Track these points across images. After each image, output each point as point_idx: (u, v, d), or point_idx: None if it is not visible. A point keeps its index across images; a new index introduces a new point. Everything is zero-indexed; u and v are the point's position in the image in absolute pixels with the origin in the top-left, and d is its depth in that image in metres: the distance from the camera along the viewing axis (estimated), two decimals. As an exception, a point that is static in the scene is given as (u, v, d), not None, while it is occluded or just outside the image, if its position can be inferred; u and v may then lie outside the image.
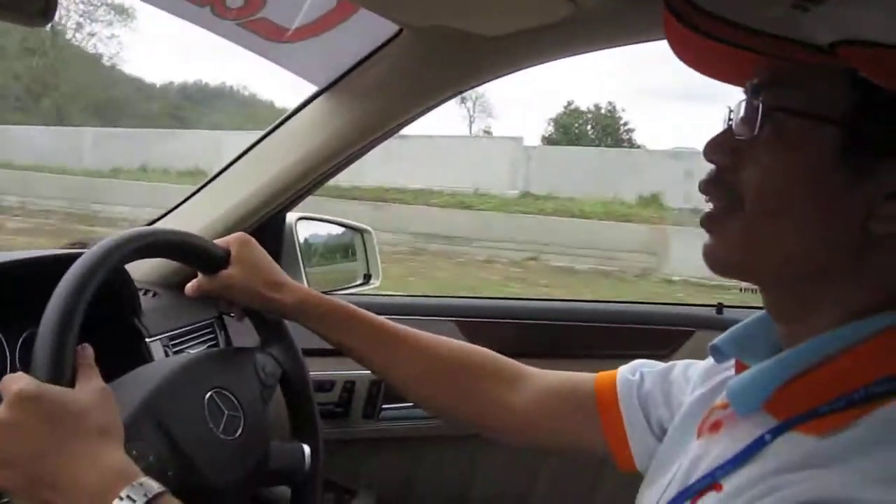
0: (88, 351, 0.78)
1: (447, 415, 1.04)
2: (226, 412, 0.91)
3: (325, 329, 1.02)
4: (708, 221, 0.68)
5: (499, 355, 1.02)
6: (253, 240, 1.04)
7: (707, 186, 0.68)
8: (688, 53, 0.68)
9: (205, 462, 0.86)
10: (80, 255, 0.83)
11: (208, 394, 0.90)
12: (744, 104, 0.66)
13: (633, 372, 0.92)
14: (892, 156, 0.58)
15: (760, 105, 0.63)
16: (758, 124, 0.63)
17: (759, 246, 0.64)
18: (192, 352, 0.98)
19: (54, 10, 0.61)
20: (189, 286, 1.03)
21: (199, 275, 1.02)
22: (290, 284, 1.02)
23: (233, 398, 0.93)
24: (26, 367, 1.02)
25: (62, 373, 0.74)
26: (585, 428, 0.92)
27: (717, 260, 0.67)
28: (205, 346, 1.32)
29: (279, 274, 1.03)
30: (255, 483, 0.96)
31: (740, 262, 0.66)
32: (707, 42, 0.62)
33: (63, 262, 0.83)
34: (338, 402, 1.48)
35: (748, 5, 0.61)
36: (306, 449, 1.03)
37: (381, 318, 1.03)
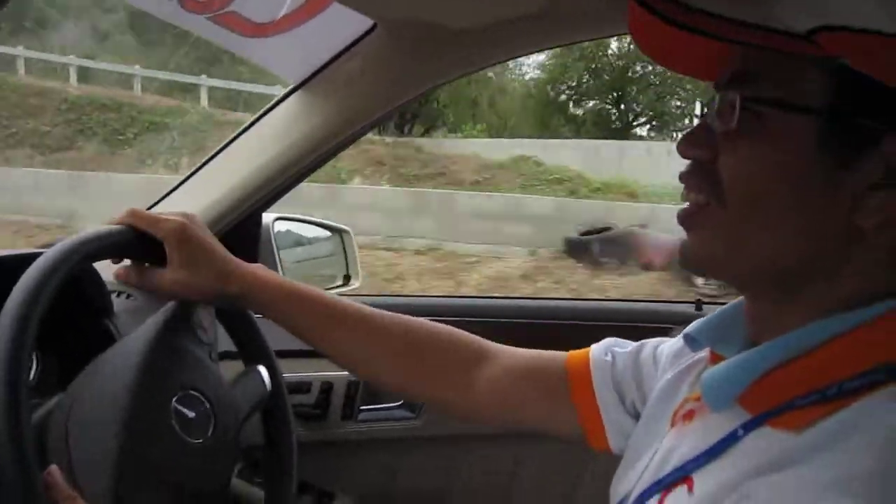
0: (53, 470, 0.73)
1: (407, 394, 1.00)
2: (193, 415, 0.87)
3: (273, 315, 0.96)
4: (687, 219, 0.66)
5: (464, 333, 0.98)
6: (193, 228, 0.94)
7: (688, 177, 0.66)
8: (654, 45, 0.66)
9: (192, 481, 0.84)
10: (39, 255, 0.81)
11: (173, 405, 0.85)
12: (717, 97, 0.64)
13: (605, 352, 0.90)
14: (875, 145, 0.57)
15: (737, 97, 0.61)
16: (735, 117, 0.61)
17: (741, 242, 0.63)
18: (129, 342, 0.88)
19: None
20: (120, 273, 0.95)
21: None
22: (236, 272, 0.94)
23: (195, 393, 0.88)
24: None
25: (16, 392, 0.70)
26: (556, 407, 0.90)
27: (696, 257, 0.66)
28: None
29: (224, 262, 0.94)
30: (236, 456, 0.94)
31: (721, 259, 0.65)
32: (673, 33, 0.60)
33: (26, 263, 0.79)
34: (315, 404, 1.46)
35: None
36: (263, 371, 1.00)
37: (333, 295, 0.98)
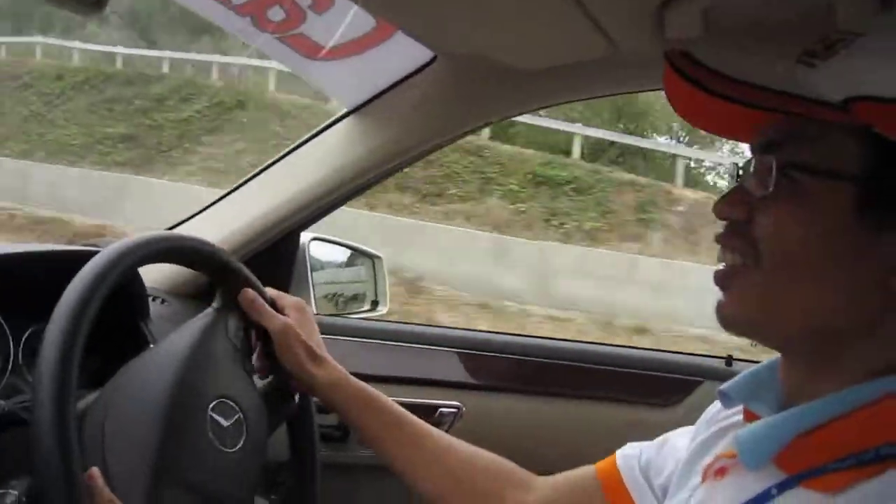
0: (95, 473, 0.73)
1: None
2: (227, 424, 0.87)
3: (350, 415, 0.99)
4: (722, 278, 0.67)
5: (508, 461, 1.00)
6: (309, 310, 1.01)
7: (725, 238, 0.67)
8: (690, 111, 0.68)
9: (224, 490, 0.85)
10: (94, 253, 0.82)
11: (208, 414, 0.85)
12: (754, 161, 0.66)
13: (630, 449, 0.92)
14: None
15: (773, 162, 0.62)
16: (772, 181, 0.62)
17: (777, 304, 0.63)
18: (167, 347, 0.90)
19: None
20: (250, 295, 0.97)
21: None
22: (329, 361, 0.98)
23: (229, 402, 0.88)
24: (29, 366, 1.01)
25: (66, 390, 0.71)
26: None
27: (731, 318, 0.66)
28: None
29: (322, 347, 0.99)
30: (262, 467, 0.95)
31: (756, 321, 0.65)
32: (710, 99, 0.62)
33: (76, 259, 0.81)
34: (337, 426, 1.45)
35: (752, 62, 0.62)
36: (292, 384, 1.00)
37: (406, 412, 1.00)
